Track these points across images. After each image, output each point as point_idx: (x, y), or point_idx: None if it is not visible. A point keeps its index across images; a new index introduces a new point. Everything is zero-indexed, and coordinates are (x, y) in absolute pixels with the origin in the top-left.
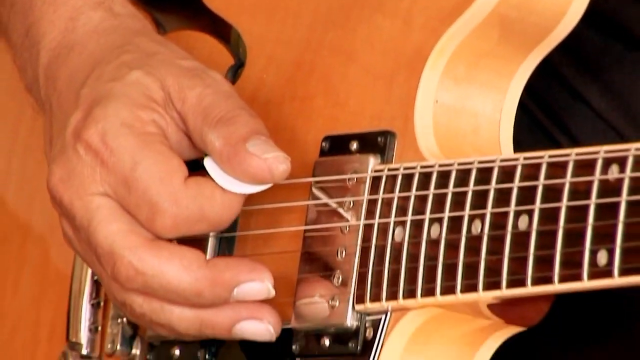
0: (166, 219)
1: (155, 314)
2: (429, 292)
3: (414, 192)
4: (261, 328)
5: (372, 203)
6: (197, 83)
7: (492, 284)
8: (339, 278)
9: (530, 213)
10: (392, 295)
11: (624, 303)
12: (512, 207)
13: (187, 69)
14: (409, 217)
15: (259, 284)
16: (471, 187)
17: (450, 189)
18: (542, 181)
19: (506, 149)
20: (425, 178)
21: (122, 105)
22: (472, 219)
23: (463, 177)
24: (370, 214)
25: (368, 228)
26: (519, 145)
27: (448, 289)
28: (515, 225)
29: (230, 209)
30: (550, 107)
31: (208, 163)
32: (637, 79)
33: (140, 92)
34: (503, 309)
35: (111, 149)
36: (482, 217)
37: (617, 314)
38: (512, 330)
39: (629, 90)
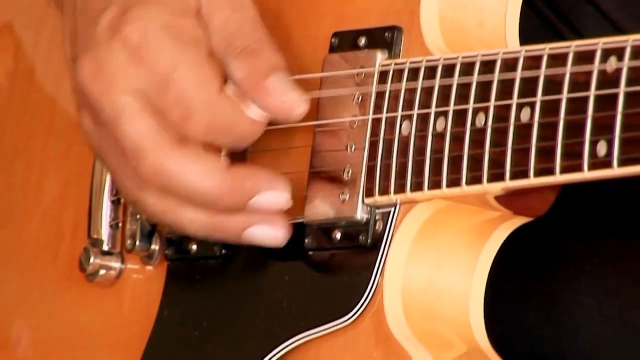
0: (199, 123)
1: (166, 215)
2: (435, 184)
3: (420, 85)
4: (270, 233)
5: (379, 97)
6: (226, 5)
7: (496, 175)
8: (348, 172)
9: (532, 105)
10: (400, 188)
11: (632, 192)
12: (515, 100)
13: None
14: (416, 111)
15: (277, 194)
16: (475, 79)
17: (455, 80)
18: (543, 72)
19: (512, 42)
20: (430, 71)
21: (160, 10)
22: (476, 112)
23: (467, 70)
24: (378, 108)
25: (376, 122)
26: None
27: (453, 182)
28: (517, 118)
29: (257, 128)
30: (558, 7)
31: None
32: None
33: (177, 0)
34: (510, 200)
35: (151, 47)
36: (485, 110)
37: (624, 203)
38: (520, 220)
39: None
